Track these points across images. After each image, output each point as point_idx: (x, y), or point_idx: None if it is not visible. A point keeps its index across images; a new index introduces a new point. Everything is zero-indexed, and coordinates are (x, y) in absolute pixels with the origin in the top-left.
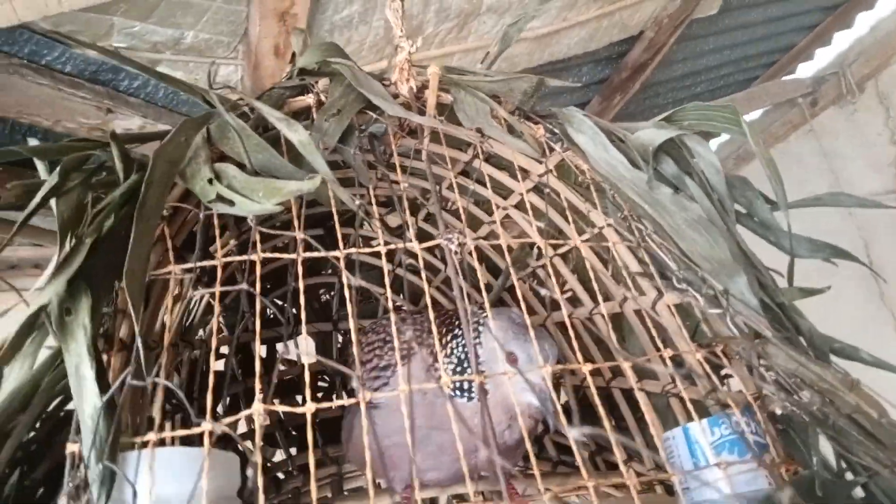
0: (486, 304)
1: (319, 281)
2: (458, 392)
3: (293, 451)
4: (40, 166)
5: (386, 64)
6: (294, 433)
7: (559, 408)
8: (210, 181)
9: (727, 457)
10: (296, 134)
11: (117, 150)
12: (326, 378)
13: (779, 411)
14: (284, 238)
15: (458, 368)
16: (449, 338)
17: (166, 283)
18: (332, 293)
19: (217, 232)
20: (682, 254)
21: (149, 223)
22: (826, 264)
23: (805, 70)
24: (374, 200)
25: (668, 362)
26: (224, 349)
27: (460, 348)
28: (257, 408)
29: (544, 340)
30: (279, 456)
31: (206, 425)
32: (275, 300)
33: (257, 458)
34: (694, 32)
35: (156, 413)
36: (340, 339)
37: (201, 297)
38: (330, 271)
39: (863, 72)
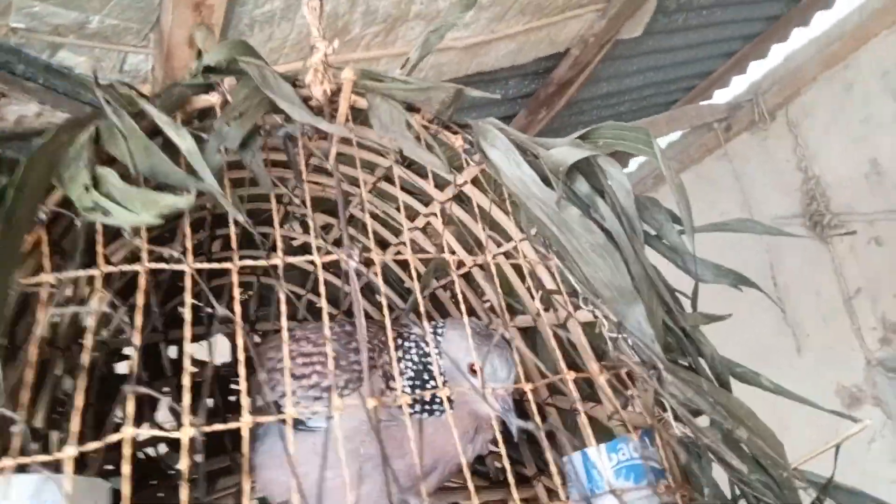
0: (388, 323)
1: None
2: (417, 407)
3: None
4: None
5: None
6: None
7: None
8: (87, 188)
9: (623, 483)
10: (183, 141)
11: None
12: (236, 381)
13: (678, 436)
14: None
15: (417, 383)
16: (400, 353)
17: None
18: (251, 293)
19: (100, 238)
20: (585, 278)
21: (17, 230)
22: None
23: (721, 96)
24: (292, 201)
25: (571, 384)
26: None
27: (413, 363)
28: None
29: (504, 350)
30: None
31: (69, 450)
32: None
33: (125, 489)
34: (619, 53)
35: (16, 435)
36: (258, 339)
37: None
38: (249, 271)
39: (775, 101)
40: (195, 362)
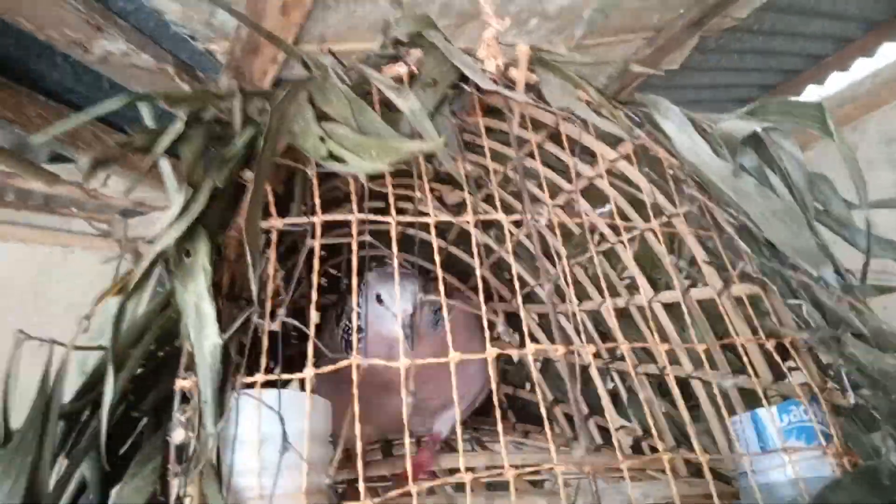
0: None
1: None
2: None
3: None
4: (146, 113)
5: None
6: None
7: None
8: (322, 139)
9: (794, 442)
10: (406, 102)
11: (240, 105)
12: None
13: (848, 403)
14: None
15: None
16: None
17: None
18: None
19: (316, 190)
20: (767, 242)
21: (264, 176)
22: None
23: None
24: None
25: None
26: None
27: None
28: (356, 360)
29: (405, 280)
30: None
31: (308, 371)
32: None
33: (355, 407)
34: (652, 82)
35: (263, 357)
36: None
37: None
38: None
39: None
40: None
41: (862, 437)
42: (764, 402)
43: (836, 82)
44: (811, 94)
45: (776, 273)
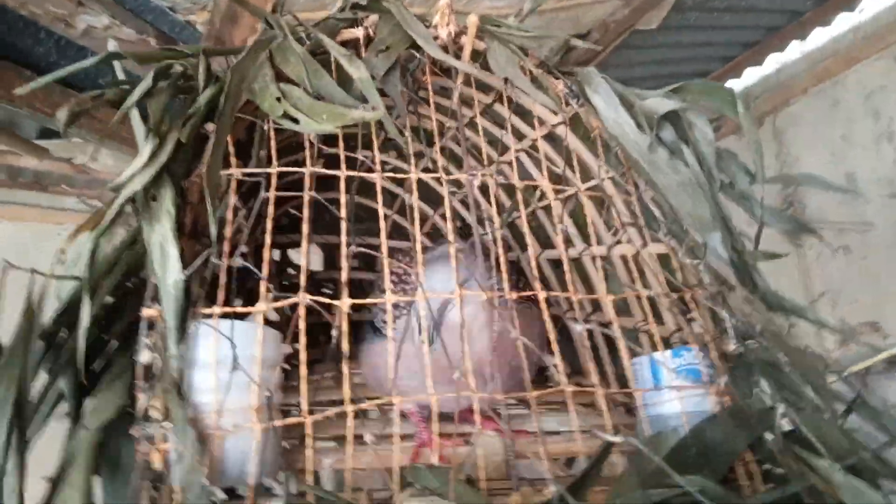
0: (497, 233)
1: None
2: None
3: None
4: (118, 69)
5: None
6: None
7: None
8: (279, 100)
9: (683, 382)
10: (357, 70)
11: (204, 64)
12: (331, 288)
13: (730, 350)
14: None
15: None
16: None
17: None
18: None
19: (273, 143)
20: (671, 209)
21: (224, 129)
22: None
23: None
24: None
25: (645, 302)
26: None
27: None
28: (303, 298)
29: (441, 263)
30: None
31: (261, 306)
32: (290, 210)
33: (302, 339)
34: (632, 42)
35: (220, 291)
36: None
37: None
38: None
39: (764, 108)
40: (293, 266)
41: (741, 382)
42: (660, 346)
43: (818, 37)
44: (793, 49)
45: (681, 236)
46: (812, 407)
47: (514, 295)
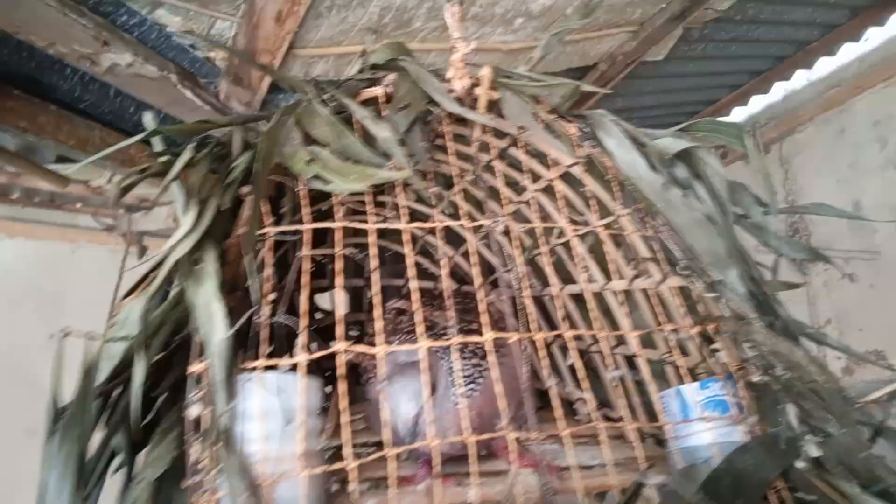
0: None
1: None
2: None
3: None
4: (156, 142)
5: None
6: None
7: None
8: (308, 162)
9: (711, 413)
10: (382, 131)
11: (239, 134)
12: (357, 329)
13: (755, 380)
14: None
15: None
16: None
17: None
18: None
19: (306, 202)
20: (687, 247)
21: (259, 193)
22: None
23: None
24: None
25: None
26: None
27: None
28: (341, 347)
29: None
30: None
31: (301, 357)
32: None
33: (341, 387)
34: (639, 73)
35: (262, 346)
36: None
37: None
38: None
39: (771, 135)
40: (320, 310)
41: (769, 411)
42: (687, 380)
43: (824, 66)
44: (800, 78)
45: (699, 272)
46: (839, 434)
47: (543, 335)
